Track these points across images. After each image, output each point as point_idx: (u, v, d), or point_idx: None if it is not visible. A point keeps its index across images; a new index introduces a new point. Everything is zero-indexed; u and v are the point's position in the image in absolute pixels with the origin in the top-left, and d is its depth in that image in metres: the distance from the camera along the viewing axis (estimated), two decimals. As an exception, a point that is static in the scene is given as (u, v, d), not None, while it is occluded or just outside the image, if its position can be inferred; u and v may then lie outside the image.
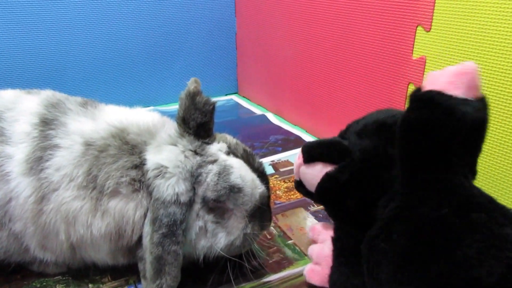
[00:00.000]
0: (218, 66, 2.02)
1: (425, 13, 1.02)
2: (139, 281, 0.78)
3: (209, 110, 0.76)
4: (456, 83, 0.58)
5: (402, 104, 1.11)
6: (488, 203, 0.57)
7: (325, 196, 0.75)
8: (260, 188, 0.79)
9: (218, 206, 0.75)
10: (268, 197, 0.82)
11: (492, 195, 0.59)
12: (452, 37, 0.97)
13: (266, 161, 1.27)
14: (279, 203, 1.06)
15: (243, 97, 2.06)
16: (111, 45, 1.74)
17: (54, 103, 0.82)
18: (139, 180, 0.74)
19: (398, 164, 0.63)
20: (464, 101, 0.57)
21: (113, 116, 0.81)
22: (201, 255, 0.76)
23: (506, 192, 0.91)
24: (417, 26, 1.05)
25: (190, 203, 0.73)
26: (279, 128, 1.59)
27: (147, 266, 0.73)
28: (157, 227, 0.70)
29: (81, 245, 0.75)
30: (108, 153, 0.74)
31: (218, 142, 0.79)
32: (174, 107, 1.84)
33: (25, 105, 0.81)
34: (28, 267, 0.84)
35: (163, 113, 0.87)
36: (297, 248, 0.90)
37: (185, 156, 0.74)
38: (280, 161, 1.29)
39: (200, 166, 0.74)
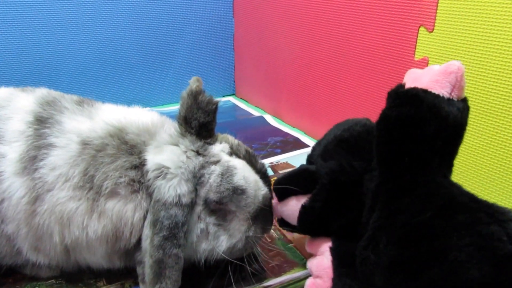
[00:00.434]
0: (215, 67, 2.00)
1: (428, 13, 1.00)
2: (136, 285, 0.75)
3: (212, 109, 0.74)
4: (441, 82, 0.57)
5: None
6: (471, 202, 0.56)
7: (308, 227, 0.75)
8: (263, 190, 0.76)
9: (220, 208, 0.73)
10: (270, 199, 0.80)
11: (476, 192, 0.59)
12: (456, 38, 0.95)
13: (265, 163, 1.24)
14: (279, 206, 1.04)
15: (241, 98, 2.04)
16: (106, 46, 1.71)
17: (50, 101, 0.79)
18: (139, 181, 0.71)
19: (377, 166, 0.62)
20: (449, 101, 0.56)
21: (111, 115, 0.78)
22: (202, 258, 0.74)
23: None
24: (419, 27, 1.03)
25: (192, 205, 0.70)
26: (278, 130, 1.57)
27: (146, 269, 0.70)
28: (157, 229, 0.67)
29: (76, 247, 0.72)
30: (106, 153, 0.72)
31: (220, 143, 0.77)
32: (171, 108, 1.81)
33: (19, 103, 0.78)
34: (20, 271, 0.80)
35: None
36: (297, 252, 0.87)
37: (187, 157, 0.71)
38: (279, 163, 1.27)
39: (202, 167, 0.71)
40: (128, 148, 0.73)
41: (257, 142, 1.38)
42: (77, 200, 0.70)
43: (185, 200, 0.69)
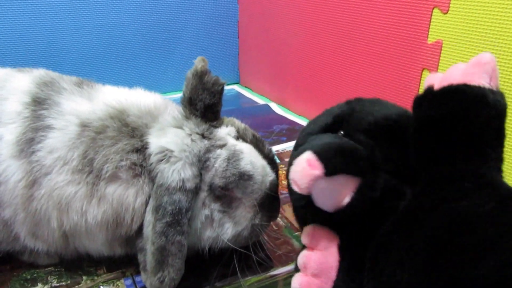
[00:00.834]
0: (219, 55, 1.95)
1: None
2: (137, 273, 0.72)
3: (218, 90, 0.70)
4: (478, 73, 0.54)
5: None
6: None
7: (355, 218, 0.60)
8: (270, 175, 0.73)
9: (226, 194, 0.70)
10: (278, 185, 0.76)
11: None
12: (471, 20, 0.91)
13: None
14: (285, 193, 1.00)
15: (245, 87, 2.00)
16: (109, 33, 1.67)
17: (47, 82, 0.75)
18: (141, 165, 0.68)
19: (424, 161, 0.57)
20: (490, 90, 0.54)
21: (112, 97, 0.75)
22: (206, 246, 0.71)
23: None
24: (433, 8, 0.99)
25: (196, 190, 0.67)
26: (283, 118, 1.53)
27: (148, 257, 0.67)
28: (160, 215, 0.64)
29: (74, 233, 0.69)
30: (106, 135, 0.68)
31: (227, 126, 0.73)
32: (174, 95, 1.77)
33: (16, 83, 0.75)
34: (18, 257, 0.78)
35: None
36: (306, 240, 0.84)
37: (192, 140, 0.68)
38: (285, 151, 1.23)
39: (208, 150, 0.68)
40: (130, 131, 0.70)
41: (262, 130, 1.34)
42: (76, 184, 0.67)
43: (189, 185, 0.65)
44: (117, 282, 0.73)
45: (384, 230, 0.57)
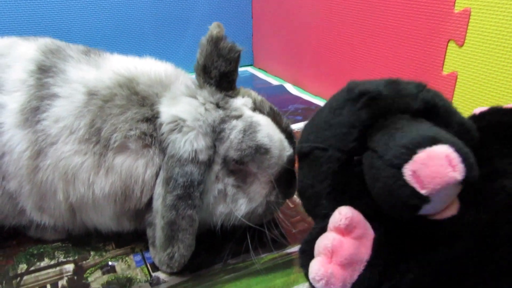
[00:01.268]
0: (232, 35, 1.85)
1: (459, 27, 0.92)
2: (147, 249, 0.69)
3: (234, 58, 0.66)
4: None
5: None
6: None
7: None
8: (288, 150, 0.69)
9: (240, 169, 0.66)
10: (295, 162, 0.72)
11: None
12: (487, 52, 0.88)
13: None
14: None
15: (259, 68, 1.94)
16: (117, 13, 1.63)
17: (53, 50, 0.72)
18: (151, 135, 0.64)
19: None
20: None
21: (120, 65, 0.71)
22: (219, 222, 0.67)
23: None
24: (448, 41, 0.95)
25: (209, 163, 0.63)
26: (299, 98, 1.48)
27: (157, 232, 0.64)
28: (171, 187, 0.60)
29: (81, 206, 0.66)
30: (114, 104, 0.65)
31: (243, 97, 0.69)
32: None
33: (21, 51, 0.71)
34: (24, 233, 0.75)
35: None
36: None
37: (206, 109, 0.64)
38: (300, 130, 1.18)
39: (223, 121, 0.64)
40: (139, 99, 0.66)
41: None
42: (83, 154, 0.64)
43: (202, 156, 0.61)
44: (126, 258, 0.70)
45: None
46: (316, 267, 0.51)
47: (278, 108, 0.74)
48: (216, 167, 0.64)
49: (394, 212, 0.50)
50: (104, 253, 0.71)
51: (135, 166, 0.64)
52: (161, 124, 0.63)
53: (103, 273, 0.66)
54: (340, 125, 0.56)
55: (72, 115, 0.64)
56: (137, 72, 0.70)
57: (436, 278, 0.49)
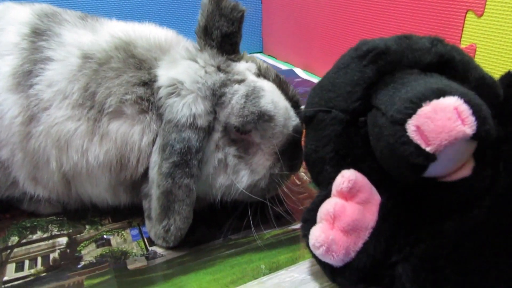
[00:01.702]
0: (242, 21, 1.86)
1: None
2: (144, 224, 0.65)
3: (237, 17, 0.61)
4: None
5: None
6: None
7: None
8: (294, 120, 0.64)
9: (242, 138, 0.61)
10: (302, 133, 0.67)
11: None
12: (507, 23, 0.82)
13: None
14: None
15: (269, 55, 1.90)
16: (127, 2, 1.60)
17: (49, 13, 0.68)
18: (148, 100, 0.60)
19: None
20: None
21: (118, 28, 0.67)
22: (219, 195, 0.63)
23: None
24: (467, 11, 0.90)
25: (209, 130, 0.59)
26: (309, 81, 1.44)
27: (153, 203, 0.60)
28: (167, 154, 0.56)
29: (75, 176, 0.63)
30: (109, 66, 0.61)
31: (247, 62, 0.65)
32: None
33: (15, 14, 0.68)
34: (18, 206, 0.72)
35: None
36: (331, 198, 0.75)
37: (206, 72, 0.60)
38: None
39: (224, 84, 0.60)
40: (136, 62, 0.62)
41: (286, 93, 1.24)
42: (76, 120, 0.60)
43: (201, 122, 0.57)
44: (122, 232, 0.66)
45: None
46: (317, 233, 0.48)
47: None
48: (216, 135, 0.60)
49: (399, 175, 0.45)
50: (99, 227, 0.68)
51: (131, 133, 0.60)
52: (158, 88, 0.60)
53: (97, 247, 0.63)
54: (344, 84, 0.52)
55: (66, 79, 0.61)
56: (136, 35, 0.66)
57: (450, 249, 0.44)
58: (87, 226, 0.68)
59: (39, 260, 0.60)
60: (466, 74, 0.48)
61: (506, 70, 0.53)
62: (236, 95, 0.59)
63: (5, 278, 0.56)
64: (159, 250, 0.62)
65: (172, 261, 0.60)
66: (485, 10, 0.87)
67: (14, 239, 0.65)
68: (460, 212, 0.45)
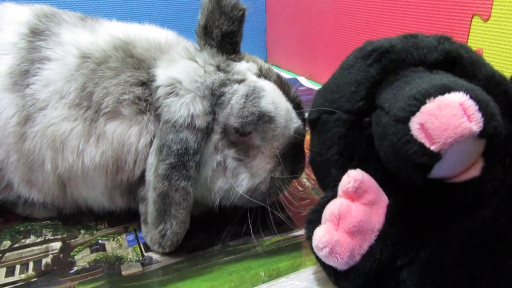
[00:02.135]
0: (245, 31, 1.84)
1: (484, 1, 0.86)
2: (141, 229, 0.63)
3: (238, 16, 0.60)
4: None
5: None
6: None
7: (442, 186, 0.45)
8: (296, 121, 0.63)
9: (242, 140, 0.60)
10: (304, 136, 0.65)
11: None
12: None
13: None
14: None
15: (273, 65, 1.89)
16: (127, 7, 1.60)
17: (48, 14, 0.68)
18: (146, 100, 0.59)
19: None
20: None
21: (118, 28, 0.66)
22: (217, 199, 0.61)
23: None
24: (473, 15, 0.89)
25: (207, 131, 0.57)
26: (312, 90, 1.42)
27: (149, 207, 0.58)
28: (164, 155, 0.55)
29: (71, 179, 0.61)
30: (107, 66, 0.60)
31: (247, 62, 0.63)
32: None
33: (14, 14, 0.68)
34: (12, 210, 0.70)
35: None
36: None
37: (205, 71, 0.58)
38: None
39: (223, 84, 0.58)
40: (135, 62, 0.61)
41: (289, 101, 1.23)
42: (73, 120, 0.59)
43: (199, 122, 0.56)
44: (118, 237, 0.64)
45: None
46: (321, 233, 0.45)
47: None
48: (215, 137, 0.58)
49: (404, 175, 0.43)
50: (95, 232, 0.66)
51: (128, 134, 0.58)
52: (156, 88, 0.58)
53: (92, 252, 0.61)
54: (348, 84, 0.50)
55: (63, 78, 0.60)
56: (135, 36, 0.65)
57: (458, 252, 0.42)
58: (82, 231, 0.66)
59: (31, 265, 0.58)
60: (475, 72, 0.46)
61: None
62: (235, 95, 0.58)
63: (-5, 283, 0.54)
64: (155, 256, 0.60)
65: (168, 267, 0.58)
66: (491, 14, 0.85)
67: (6, 243, 0.63)
68: (467, 214, 0.42)
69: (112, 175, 0.60)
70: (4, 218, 0.70)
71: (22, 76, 0.61)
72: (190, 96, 0.56)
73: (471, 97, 0.38)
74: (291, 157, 0.63)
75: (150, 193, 0.57)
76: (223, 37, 0.60)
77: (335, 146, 0.50)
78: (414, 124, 0.39)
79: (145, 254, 0.60)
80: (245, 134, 0.59)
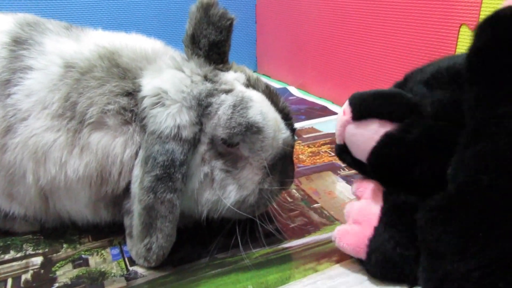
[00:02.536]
0: (235, 41, 1.84)
1: (471, 11, 0.86)
2: (126, 243, 0.61)
3: (226, 26, 0.59)
4: None
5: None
6: None
7: (385, 164, 0.56)
8: (284, 132, 0.62)
9: (230, 152, 0.58)
10: (293, 147, 0.65)
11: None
12: None
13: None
14: (302, 166, 0.89)
15: (263, 74, 1.89)
16: (121, 13, 1.60)
17: (31, 23, 0.66)
18: (131, 110, 0.58)
19: (472, 104, 0.48)
20: None
21: (104, 38, 0.65)
22: (204, 212, 0.59)
23: None
24: (461, 25, 0.89)
25: (194, 142, 0.56)
26: (303, 99, 1.42)
27: (134, 220, 0.56)
28: (149, 167, 0.53)
29: (53, 191, 0.59)
30: (92, 75, 0.58)
31: (235, 72, 0.62)
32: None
33: None
34: (-8, 224, 0.68)
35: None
36: (325, 211, 0.72)
37: (192, 81, 0.57)
38: (303, 128, 1.12)
39: (210, 94, 0.57)
40: (120, 72, 0.59)
41: (279, 111, 1.22)
42: (55, 131, 0.57)
43: (186, 133, 0.54)
44: (102, 251, 0.62)
45: (430, 204, 0.51)
46: (335, 231, 0.58)
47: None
48: (202, 148, 0.57)
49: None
50: (78, 246, 0.64)
51: (112, 145, 0.57)
52: (142, 98, 0.57)
53: (74, 267, 0.59)
54: None
55: (46, 88, 0.58)
56: (121, 45, 0.64)
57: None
58: (64, 245, 0.64)
59: (9, 282, 0.56)
60: (421, 76, 0.58)
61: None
62: (223, 105, 0.57)
63: (-29, 301, 0.52)
64: (140, 270, 0.58)
65: (153, 281, 0.56)
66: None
67: (-15, 259, 0.61)
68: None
69: (96, 187, 0.58)
70: (-17, 233, 0.67)
71: (3, 86, 0.59)
72: (176, 107, 0.55)
73: (349, 100, 0.59)
74: (280, 167, 0.62)
75: (136, 205, 0.55)
76: (211, 46, 0.59)
77: None
78: None
79: (130, 268, 0.58)
80: (233, 145, 0.58)
